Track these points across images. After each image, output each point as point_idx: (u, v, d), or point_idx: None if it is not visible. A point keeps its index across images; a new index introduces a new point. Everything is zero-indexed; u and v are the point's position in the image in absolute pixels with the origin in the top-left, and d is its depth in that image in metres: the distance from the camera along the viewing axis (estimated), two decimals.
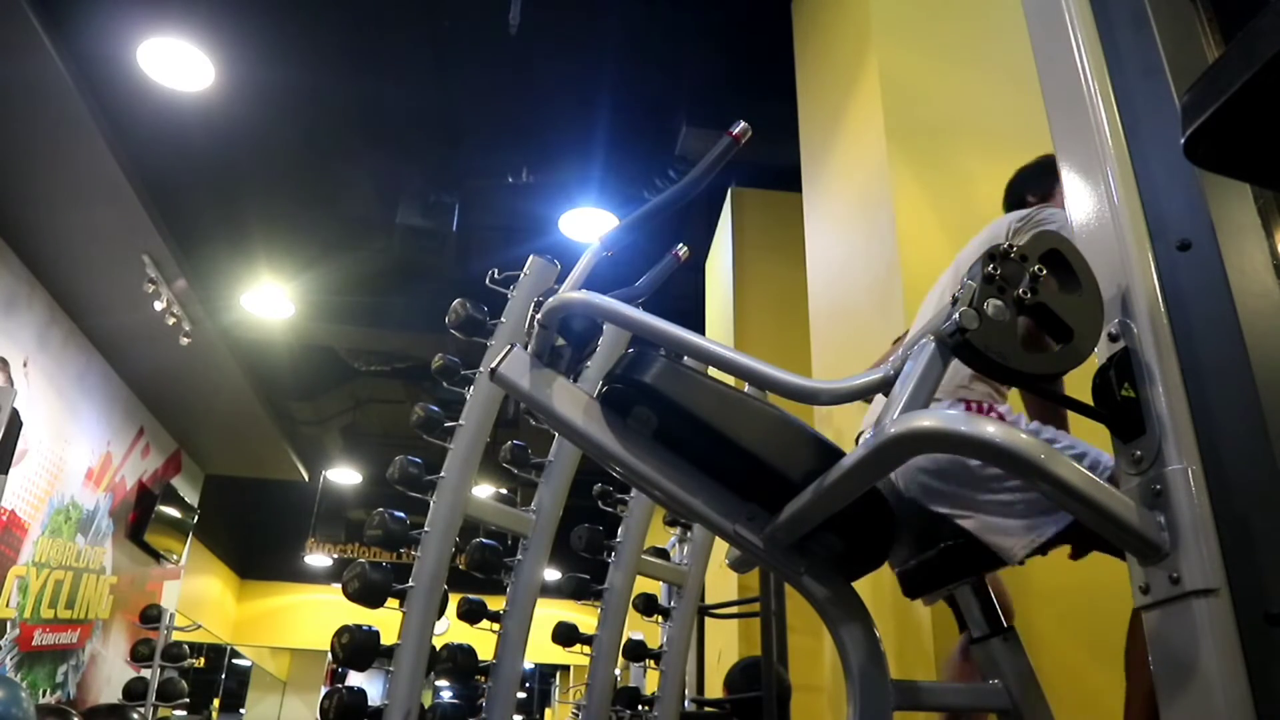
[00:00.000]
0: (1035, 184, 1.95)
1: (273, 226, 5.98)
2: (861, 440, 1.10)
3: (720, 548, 3.32)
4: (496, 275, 2.75)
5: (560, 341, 1.14)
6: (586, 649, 3.02)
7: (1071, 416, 1.81)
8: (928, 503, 1.58)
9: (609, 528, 3.14)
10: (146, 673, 5.99)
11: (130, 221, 4.93)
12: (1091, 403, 0.90)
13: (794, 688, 3.31)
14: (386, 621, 2.43)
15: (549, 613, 3.12)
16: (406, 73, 4.79)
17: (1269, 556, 0.75)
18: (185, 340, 5.94)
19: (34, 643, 5.84)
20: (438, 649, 2.48)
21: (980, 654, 1.40)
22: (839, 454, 0.98)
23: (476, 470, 2.60)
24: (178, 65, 4.39)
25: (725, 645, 4.30)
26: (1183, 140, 0.72)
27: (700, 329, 5.49)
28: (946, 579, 1.50)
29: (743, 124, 1.17)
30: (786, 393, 0.98)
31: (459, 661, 2.52)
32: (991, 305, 0.81)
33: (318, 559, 11.33)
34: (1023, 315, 0.83)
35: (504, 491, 6.23)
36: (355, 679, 10.98)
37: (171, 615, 6.46)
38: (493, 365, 1.13)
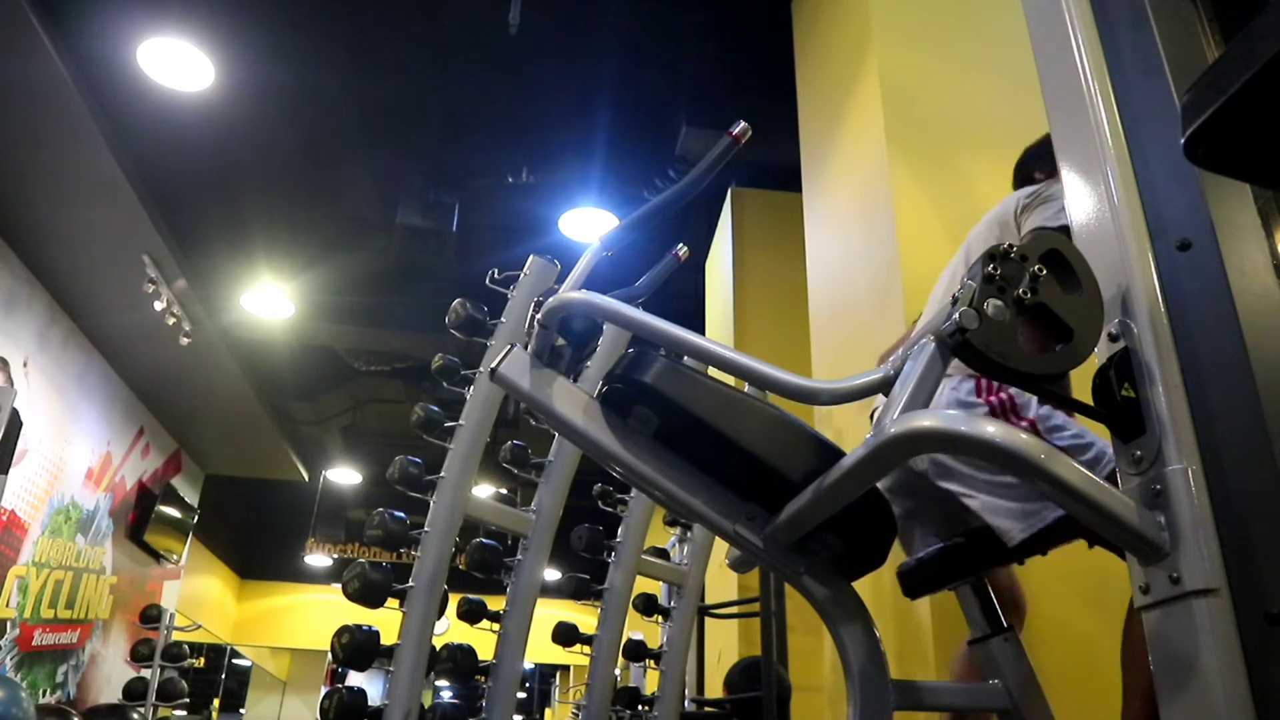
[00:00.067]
0: (1043, 161, 1.96)
1: (273, 226, 5.98)
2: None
3: (720, 548, 3.32)
4: (496, 275, 2.75)
5: (560, 341, 1.14)
6: (586, 649, 3.02)
7: None
8: (936, 479, 1.59)
9: (609, 528, 3.14)
10: (146, 673, 6.00)
11: (130, 221, 4.93)
12: (1091, 403, 0.90)
13: (794, 688, 3.31)
14: (386, 621, 2.43)
15: (549, 613, 3.12)
16: (406, 73, 4.79)
17: (1269, 556, 0.75)
18: (185, 340, 5.94)
19: (34, 643, 5.84)
20: (438, 649, 2.48)
21: (980, 654, 1.40)
22: (839, 454, 0.98)
23: (476, 470, 2.60)
24: (178, 65, 4.40)
25: (725, 645, 4.30)
26: (1183, 140, 0.72)
27: (700, 329, 5.49)
28: (946, 579, 1.50)
29: (743, 124, 1.17)
30: (786, 393, 0.98)
31: (459, 661, 2.52)
32: (991, 305, 0.81)
33: (318, 559, 11.33)
34: (1023, 315, 0.83)
35: (504, 491, 6.23)
36: (355, 679, 10.98)
37: (171, 615, 6.46)
38: (493, 365, 1.13)
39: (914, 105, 2.94)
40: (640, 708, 3.24)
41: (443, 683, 13.64)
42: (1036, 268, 0.84)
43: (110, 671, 7.06)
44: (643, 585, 3.32)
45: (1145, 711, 1.40)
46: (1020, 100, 2.13)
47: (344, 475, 10.39)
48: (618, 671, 3.56)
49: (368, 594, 2.38)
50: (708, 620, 4.51)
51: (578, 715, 3.14)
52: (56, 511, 5.98)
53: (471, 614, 2.72)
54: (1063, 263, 0.86)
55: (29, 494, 5.56)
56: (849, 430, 2.86)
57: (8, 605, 5.44)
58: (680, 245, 1.68)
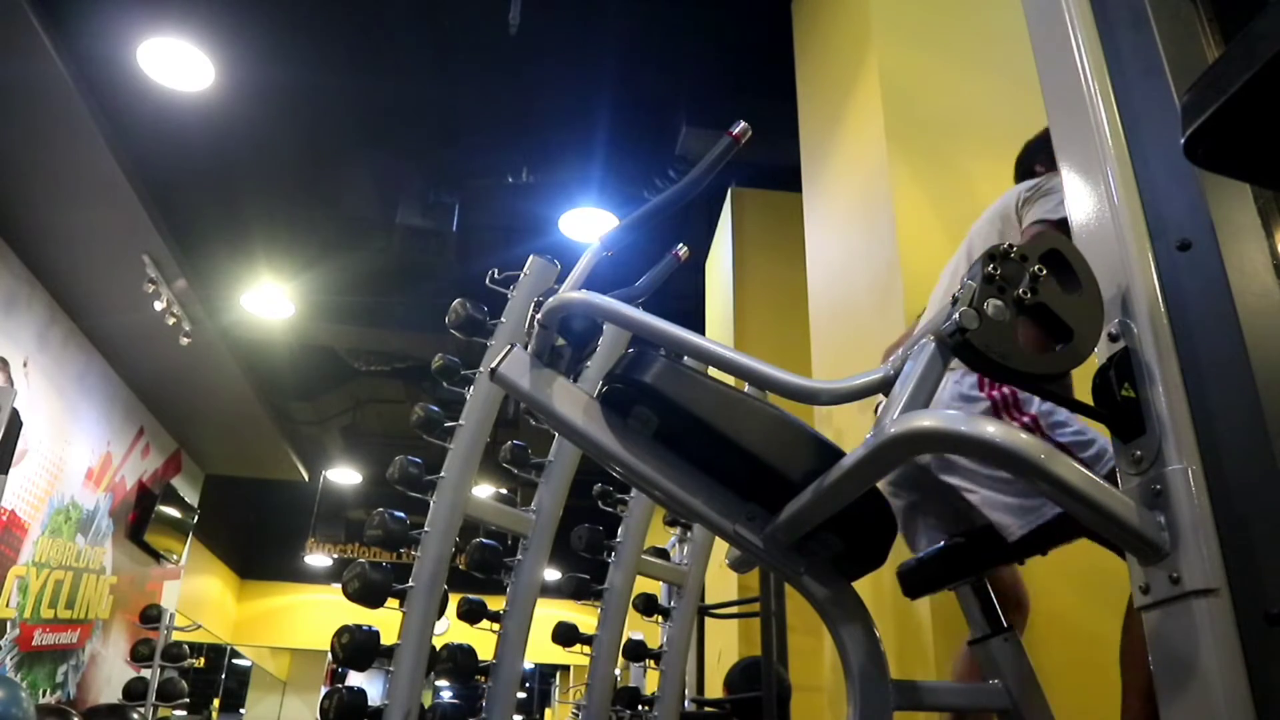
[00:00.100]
0: (1043, 153, 1.97)
1: (273, 226, 5.98)
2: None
3: (720, 548, 3.32)
4: (496, 275, 2.75)
5: (560, 341, 1.14)
6: (586, 649, 3.02)
7: None
8: (939, 473, 1.60)
9: (609, 528, 3.14)
10: (146, 673, 6.00)
11: (130, 221, 4.93)
12: (1091, 402, 0.90)
13: (794, 688, 3.31)
14: (386, 621, 2.43)
15: (549, 613, 3.12)
16: (406, 73, 4.79)
17: (1269, 556, 0.75)
18: (185, 340, 5.94)
19: (34, 643, 5.84)
20: (438, 649, 2.48)
21: (980, 654, 1.40)
22: (839, 454, 0.98)
23: (476, 470, 2.60)
24: (178, 65, 4.40)
25: (725, 645, 4.30)
26: (1183, 140, 0.72)
27: (700, 329, 5.49)
28: (946, 579, 1.50)
29: (743, 124, 1.17)
30: (786, 393, 0.98)
31: (459, 661, 2.52)
32: (991, 305, 0.81)
33: (318, 559, 11.33)
34: (1023, 315, 0.83)
35: (504, 491, 6.23)
36: (355, 679, 10.98)
37: (171, 615, 6.46)
38: (493, 365, 1.13)
39: (914, 105, 2.94)
40: (640, 708, 3.24)
41: (443, 683, 13.64)
42: (1036, 268, 0.84)
43: (110, 671, 7.06)
44: (643, 585, 3.32)
45: (1144, 711, 1.40)
46: (1020, 100, 2.13)
47: (344, 475, 10.39)
48: (618, 671, 3.56)
49: (368, 594, 2.38)
50: (708, 620, 4.51)
51: (578, 715, 3.14)
52: (56, 511, 5.98)
53: (471, 614, 2.72)
54: (1063, 263, 0.86)
55: (29, 494, 5.56)
56: (849, 430, 2.86)
57: (8, 605, 5.44)
58: (680, 245, 1.69)
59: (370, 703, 2.38)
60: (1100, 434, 1.43)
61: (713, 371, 1.15)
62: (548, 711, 15.99)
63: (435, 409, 2.66)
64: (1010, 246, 0.85)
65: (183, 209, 5.44)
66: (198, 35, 4.29)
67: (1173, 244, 0.88)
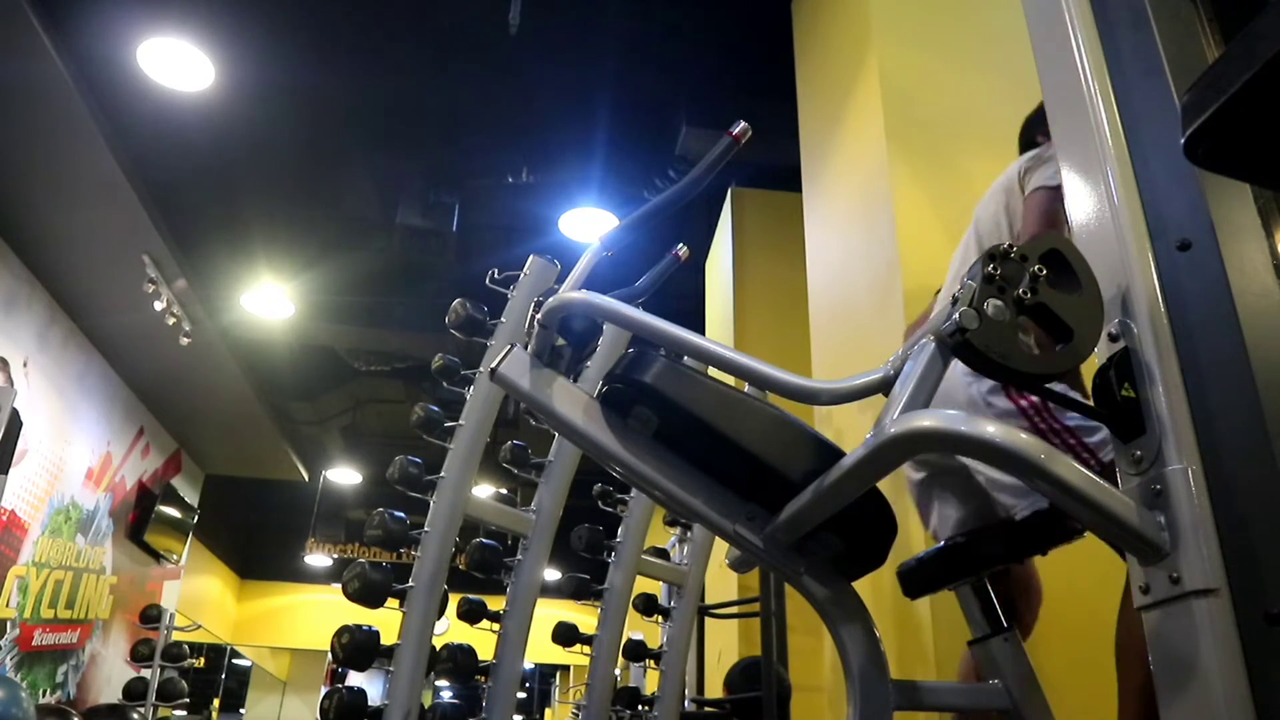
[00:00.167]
0: (1043, 125, 1.99)
1: (273, 226, 5.98)
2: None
3: (720, 548, 3.32)
4: (496, 275, 2.75)
5: (560, 341, 1.14)
6: (586, 649, 3.02)
7: None
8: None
9: (609, 528, 3.14)
10: (146, 673, 6.00)
11: (130, 221, 4.93)
12: (1091, 402, 0.90)
13: (794, 688, 3.31)
14: (386, 621, 2.43)
15: (549, 613, 3.12)
16: (406, 73, 4.80)
17: (1269, 556, 0.75)
18: (185, 340, 5.94)
19: (34, 643, 5.84)
20: (438, 649, 2.48)
21: (980, 654, 1.40)
22: (839, 454, 0.98)
23: (476, 470, 2.60)
24: (178, 65, 4.40)
25: (725, 645, 4.30)
26: (1183, 140, 0.72)
27: (700, 329, 5.49)
28: (946, 579, 1.50)
29: (743, 124, 1.17)
30: (786, 393, 0.98)
31: (459, 661, 2.52)
32: (991, 305, 0.81)
33: (318, 559, 11.33)
34: (1023, 315, 0.83)
35: (504, 491, 6.23)
36: (355, 679, 10.98)
37: (171, 615, 6.46)
38: (493, 365, 1.13)
39: (914, 105, 2.94)
40: (640, 708, 3.24)
41: (443, 683, 13.64)
42: (1036, 268, 0.84)
43: (110, 671, 7.06)
44: (643, 585, 3.32)
45: (1141, 710, 1.40)
46: (1020, 100, 2.13)
47: (344, 475, 10.39)
48: (618, 671, 3.56)
49: (368, 594, 2.38)
50: (708, 620, 4.51)
51: (578, 715, 3.14)
52: (56, 511, 5.98)
53: (471, 614, 2.72)
54: (1063, 263, 0.86)
55: (29, 494, 5.56)
56: (849, 430, 2.86)
57: (8, 605, 5.44)
58: (680, 245, 1.69)
59: (370, 703, 2.38)
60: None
61: (713, 371, 1.15)
62: (548, 711, 15.99)
63: (435, 409, 2.66)
64: (1010, 246, 0.85)
65: (183, 209, 5.45)
66: (198, 35, 4.29)
67: (1173, 244, 0.88)
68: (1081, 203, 0.98)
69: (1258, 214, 0.88)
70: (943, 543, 1.60)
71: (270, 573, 12.32)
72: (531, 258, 2.75)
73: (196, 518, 8.60)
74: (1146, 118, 0.94)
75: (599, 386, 1.11)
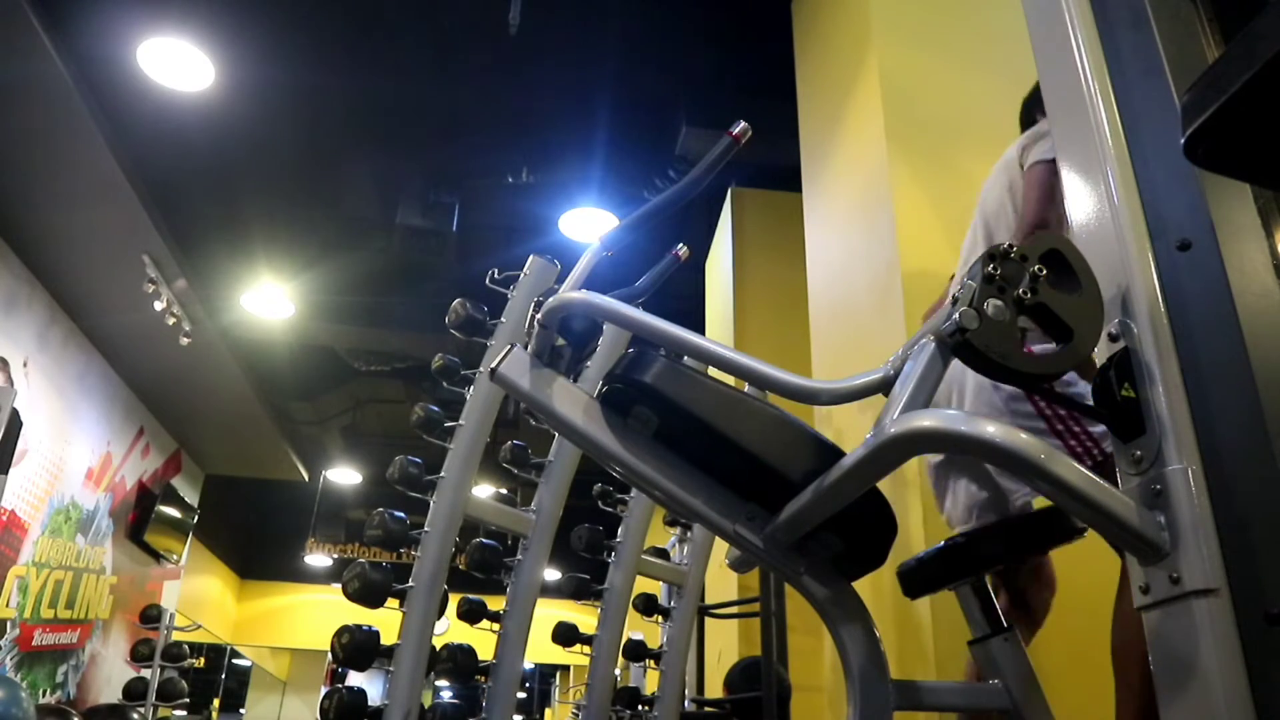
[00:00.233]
0: (1042, 103, 2.01)
1: (273, 226, 5.98)
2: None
3: (720, 548, 3.32)
4: (496, 275, 2.75)
5: (560, 341, 1.14)
6: (586, 649, 3.02)
7: None
8: None
9: (609, 528, 3.14)
10: (146, 673, 6.00)
11: (130, 221, 4.93)
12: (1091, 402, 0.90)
13: (794, 688, 3.31)
14: (386, 621, 2.43)
15: (549, 613, 3.12)
16: (406, 72, 4.79)
17: (1269, 556, 0.75)
18: (185, 340, 5.94)
19: (34, 643, 5.84)
20: (438, 649, 2.48)
21: (980, 654, 1.40)
22: (839, 454, 0.98)
23: (476, 470, 2.60)
24: (178, 65, 4.40)
25: (725, 645, 4.30)
26: (1183, 140, 0.72)
27: (700, 329, 5.49)
28: (946, 579, 1.50)
29: (743, 124, 1.17)
30: (786, 393, 0.98)
31: (459, 661, 2.52)
32: (991, 305, 0.81)
33: (318, 559, 11.33)
34: (1023, 315, 0.83)
35: (504, 491, 6.23)
36: (355, 679, 10.98)
37: (171, 615, 6.46)
38: (493, 365, 1.13)
39: (914, 105, 2.94)
40: (640, 708, 3.24)
41: (443, 683, 13.65)
42: (1036, 268, 0.84)
43: (110, 671, 7.06)
44: (643, 585, 3.32)
45: (1139, 709, 1.40)
46: (1020, 100, 2.13)
47: (344, 475, 10.39)
48: (618, 671, 3.56)
49: (368, 594, 2.38)
50: (708, 620, 4.51)
51: (578, 715, 3.14)
52: (56, 511, 5.98)
53: (471, 614, 2.72)
54: (1063, 263, 0.86)
55: (29, 494, 5.56)
56: (849, 430, 2.86)
57: (8, 605, 5.44)
58: (680, 245, 1.69)
59: (370, 703, 2.38)
60: None
61: (713, 371, 1.15)
62: (548, 711, 16.00)
63: (435, 409, 2.66)
64: (1010, 246, 0.85)
65: (183, 209, 5.45)
66: (198, 35, 4.29)
67: (1173, 244, 0.88)
68: (1081, 203, 0.98)
69: (1258, 214, 0.88)
70: (943, 542, 1.60)
71: (270, 573, 12.32)
72: (531, 258, 2.75)
73: (196, 518, 8.60)
74: (1146, 118, 0.94)
75: (599, 386, 1.11)
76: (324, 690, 10.90)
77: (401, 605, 2.41)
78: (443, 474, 2.55)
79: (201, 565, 10.19)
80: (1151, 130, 0.93)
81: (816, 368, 3.34)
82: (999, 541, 1.57)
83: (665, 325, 1.06)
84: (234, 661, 14.04)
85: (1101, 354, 0.89)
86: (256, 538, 12.18)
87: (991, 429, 0.78)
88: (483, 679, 2.58)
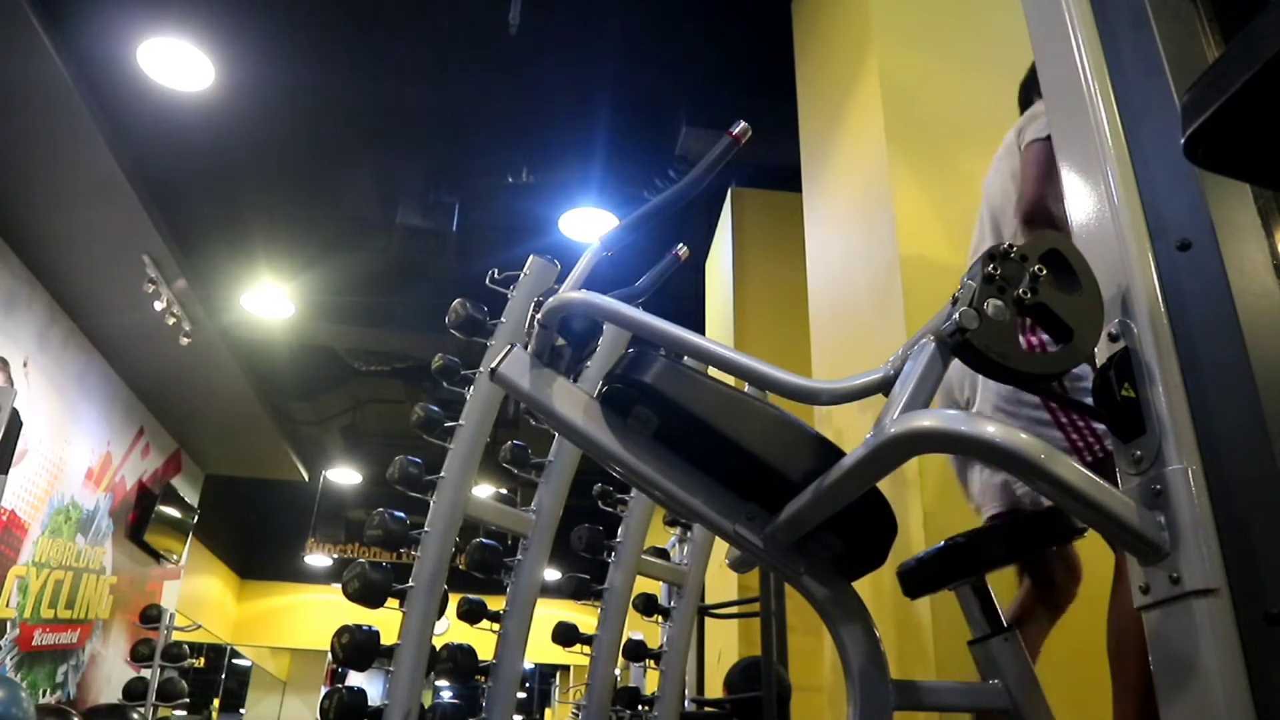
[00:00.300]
0: (1039, 85, 2.03)
1: (273, 226, 5.98)
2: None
3: (720, 548, 3.32)
4: (496, 275, 2.75)
5: (560, 341, 1.14)
6: (586, 649, 3.02)
7: None
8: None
9: (609, 528, 3.14)
10: (146, 673, 6.00)
11: (130, 221, 4.93)
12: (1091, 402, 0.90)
13: (794, 688, 3.31)
14: (386, 621, 2.43)
15: (549, 613, 3.12)
16: (406, 73, 4.80)
17: (1269, 556, 0.75)
18: (185, 340, 5.94)
19: (34, 643, 5.84)
20: (438, 649, 2.48)
21: (980, 654, 1.40)
22: (839, 454, 0.98)
23: (476, 470, 2.60)
24: (178, 65, 4.40)
25: (725, 645, 4.30)
26: (1183, 140, 0.72)
27: (700, 329, 5.49)
28: (946, 579, 1.50)
29: (743, 124, 1.17)
30: (786, 393, 0.98)
31: (459, 661, 2.52)
32: (991, 305, 0.81)
33: (318, 559, 11.33)
34: (1023, 315, 0.83)
35: (504, 491, 6.23)
36: (355, 679, 10.98)
37: (171, 615, 6.46)
38: (493, 365, 1.13)
39: (914, 105, 2.94)
40: (640, 708, 3.24)
41: (443, 683, 13.65)
42: (1036, 268, 0.84)
43: (110, 671, 7.06)
44: (643, 585, 3.32)
45: (1138, 709, 1.40)
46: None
47: (344, 475, 10.39)
48: (618, 671, 3.56)
49: (368, 594, 2.38)
50: (708, 620, 4.51)
51: (578, 715, 3.14)
52: (56, 511, 5.98)
53: (471, 614, 2.72)
54: (1063, 263, 0.86)
55: (29, 494, 5.56)
56: (849, 430, 2.86)
57: (8, 605, 5.44)
58: (680, 245, 1.69)
59: (370, 703, 2.38)
60: None
61: (713, 371, 1.15)
62: (548, 711, 16.00)
63: (435, 409, 2.66)
64: (1010, 246, 0.85)
65: (183, 209, 5.45)
66: (198, 35, 4.29)
67: (1173, 244, 0.88)
68: (1081, 203, 0.98)
69: (1258, 214, 0.88)
70: (943, 542, 1.60)
71: (270, 573, 12.32)
72: (531, 258, 2.75)
73: (196, 518, 8.60)
74: (1146, 118, 0.94)
75: (599, 386, 1.11)
76: (324, 690, 10.90)
77: (401, 605, 2.41)
78: (443, 474, 2.55)
79: (201, 565, 10.19)
80: (1151, 130, 0.93)
81: (816, 368, 3.34)
82: (999, 541, 1.57)
83: (665, 325, 1.06)
84: (234, 661, 14.04)
85: (1101, 354, 0.89)
86: (256, 538, 12.18)
87: (991, 429, 0.78)
88: (483, 679, 2.58)
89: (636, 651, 3.35)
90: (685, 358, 1.16)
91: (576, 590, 3.10)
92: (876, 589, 2.36)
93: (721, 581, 4.26)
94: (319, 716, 2.41)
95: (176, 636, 6.34)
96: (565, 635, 3.10)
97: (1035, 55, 1.11)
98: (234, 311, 6.50)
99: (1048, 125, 1.70)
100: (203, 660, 11.52)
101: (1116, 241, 0.91)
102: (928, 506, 2.34)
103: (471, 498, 2.58)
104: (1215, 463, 0.79)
